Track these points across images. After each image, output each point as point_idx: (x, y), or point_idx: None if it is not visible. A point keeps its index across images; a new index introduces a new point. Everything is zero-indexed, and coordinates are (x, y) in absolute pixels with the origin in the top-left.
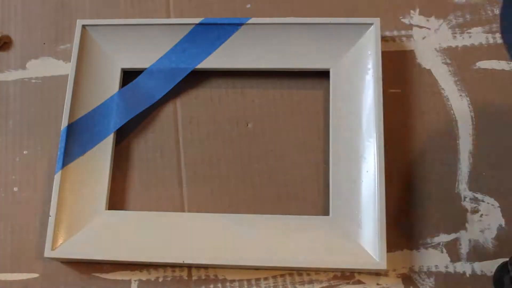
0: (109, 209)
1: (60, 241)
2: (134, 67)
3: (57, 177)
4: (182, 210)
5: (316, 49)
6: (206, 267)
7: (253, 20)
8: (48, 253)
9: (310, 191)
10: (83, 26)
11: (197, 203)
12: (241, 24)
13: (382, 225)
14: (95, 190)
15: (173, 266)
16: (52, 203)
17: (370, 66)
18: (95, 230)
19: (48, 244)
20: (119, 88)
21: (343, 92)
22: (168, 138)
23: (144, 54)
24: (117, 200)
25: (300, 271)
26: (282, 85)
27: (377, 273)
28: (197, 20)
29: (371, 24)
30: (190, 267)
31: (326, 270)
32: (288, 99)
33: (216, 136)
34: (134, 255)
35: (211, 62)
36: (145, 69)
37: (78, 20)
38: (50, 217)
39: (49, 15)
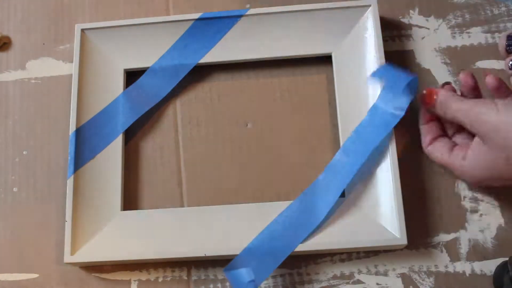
0: (123, 210)
1: (79, 245)
2: (136, 67)
3: (69, 182)
4: None
5: (317, 35)
6: (206, 266)
7: (251, 11)
8: (68, 258)
9: None
10: (82, 30)
11: (197, 203)
12: (240, 16)
13: (399, 202)
14: (109, 192)
15: (173, 266)
16: (67, 208)
17: (372, 46)
18: (113, 231)
19: (67, 250)
20: (124, 89)
21: (347, 75)
22: (168, 138)
23: (146, 53)
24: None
25: (324, 253)
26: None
27: (395, 250)
28: (196, 16)
29: (369, 5)
30: (190, 267)
31: (350, 251)
32: (289, 94)
33: (216, 136)
34: (157, 253)
35: (213, 56)
36: (148, 68)
37: (76, 25)
38: (66, 223)
39: (49, 16)
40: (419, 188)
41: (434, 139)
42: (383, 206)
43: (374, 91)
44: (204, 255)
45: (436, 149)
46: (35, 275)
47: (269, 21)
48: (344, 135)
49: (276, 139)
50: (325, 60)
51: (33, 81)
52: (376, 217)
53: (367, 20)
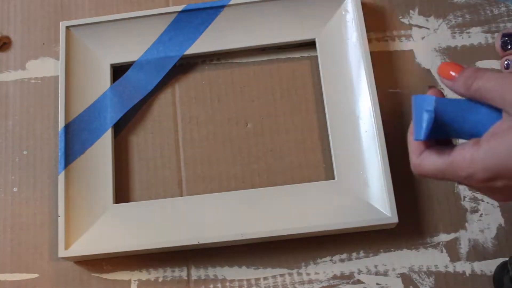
0: (116, 203)
1: (72, 239)
2: (122, 62)
3: (60, 178)
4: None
5: (300, 21)
6: (206, 266)
7: (234, 0)
8: (62, 253)
9: None
10: (67, 28)
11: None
12: (223, 6)
13: (388, 181)
14: (101, 186)
15: (173, 265)
16: (59, 203)
17: (354, 29)
18: (106, 224)
19: (61, 244)
20: (111, 84)
21: (331, 58)
22: (168, 138)
23: (131, 48)
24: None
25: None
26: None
27: (387, 231)
28: (180, 8)
29: None
30: (190, 267)
31: (341, 232)
32: (289, 94)
33: (216, 136)
34: (150, 243)
35: (198, 47)
36: (134, 62)
37: (61, 22)
38: (59, 218)
39: (49, 16)
40: (418, 188)
41: (427, 147)
42: (372, 187)
43: (358, 73)
44: (197, 243)
45: (430, 154)
46: (35, 275)
47: (252, 9)
48: (331, 120)
49: (276, 139)
50: (312, 45)
51: (33, 81)
52: (366, 198)
53: (348, 3)
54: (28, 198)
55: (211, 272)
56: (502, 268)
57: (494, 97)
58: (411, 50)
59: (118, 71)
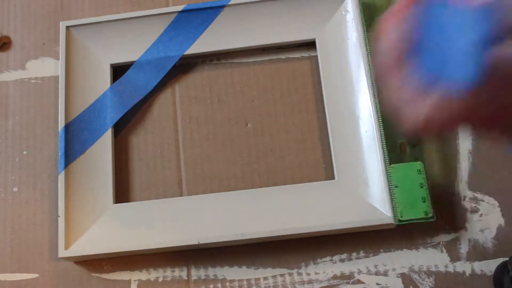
0: (116, 203)
1: (72, 239)
2: (122, 62)
3: (61, 178)
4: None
5: (300, 21)
6: (206, 266)
7: (234, 0)
8: (62, 253)
9: None
10: (67, 27)
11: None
12: (223, 6)
13: (388, 181)
14: (101, 186)
15: (173, 265)
16: (59, 203)
17: (354, 29)
18: (106, 224)
19: (61, 244)
20: (111, 84)
21: (331, 58)
22: (168, 138)
23: (131, 48)
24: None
25: (316, 236)
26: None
27: (385, 230)
28: (180, 8)
29: None
30: (190, 267)
31: (341, 232)
32: (289, 94)
33: (216, 136)
34: (151, 243)
35: (198, 47)
36: (134, 62)
37: (61, 22)
38: (59, 218)
39: (49, 16)
40: None
41: None
42: (372, 187)
43: (358, 73)
44: (197, 243)
45: None
46: (35, 275)
47: (252, 9)
48: (331, 120)
49: (276, 139)
50: (311, 45)
51: (33, 81)
52: (366, 198)
53: (348, 3)
54: (28, 198)
55: (211, 272)
56: (502, 268)
57: None
58: None
59: (118, 71)
